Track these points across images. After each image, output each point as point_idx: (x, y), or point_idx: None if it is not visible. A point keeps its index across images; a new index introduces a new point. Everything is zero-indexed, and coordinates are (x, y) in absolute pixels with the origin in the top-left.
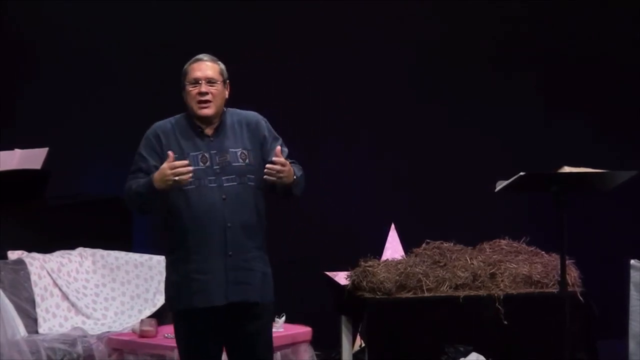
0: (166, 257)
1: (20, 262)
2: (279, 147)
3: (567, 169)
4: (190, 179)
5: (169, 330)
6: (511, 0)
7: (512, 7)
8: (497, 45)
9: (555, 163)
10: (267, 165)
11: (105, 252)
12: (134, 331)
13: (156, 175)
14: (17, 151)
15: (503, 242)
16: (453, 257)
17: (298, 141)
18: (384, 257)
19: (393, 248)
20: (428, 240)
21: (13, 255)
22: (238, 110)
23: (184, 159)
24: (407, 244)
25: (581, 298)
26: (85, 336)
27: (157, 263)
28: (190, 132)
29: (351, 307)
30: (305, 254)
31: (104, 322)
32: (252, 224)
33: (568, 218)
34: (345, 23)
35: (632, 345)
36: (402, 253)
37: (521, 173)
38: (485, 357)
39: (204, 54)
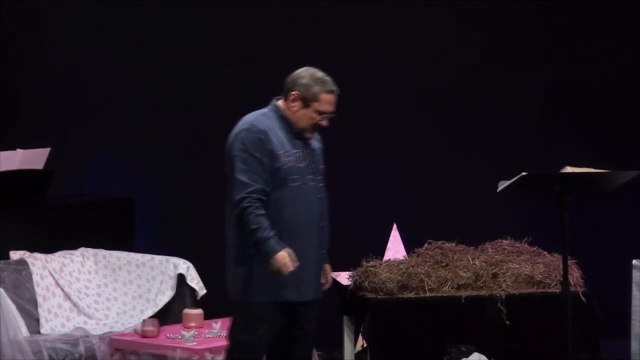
0: (244, 249)
1: (22, 262)
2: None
3: (569, 169)
4: (295, 176)
5: (171, 331)
6: (514, 2)
7: (514, 8)
8: (497, 45)
9: (557, 163)
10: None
11: (107, 252)
12: (136, 331)
13: (279, 258)
14: (19, 151)
15: (505, 242)
16: (455, 257)
17: None
18: (386, 257)
19: (395, 248)
20: (430, 241)
21: (15, 255)
22: None
23: (289, 156)
24: (409, 244)
25: (583, 298)
26: (87, 336)
27: (159, 263)
28: (288, 130)
29: (353, 307)
30: None
31: (105, 322)
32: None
33: (570, 218)
34: (346, 24)
35: (634, 345)
36: (404, 253)
37: (523, 173)
38: (487, 357)
39: (335, 85)
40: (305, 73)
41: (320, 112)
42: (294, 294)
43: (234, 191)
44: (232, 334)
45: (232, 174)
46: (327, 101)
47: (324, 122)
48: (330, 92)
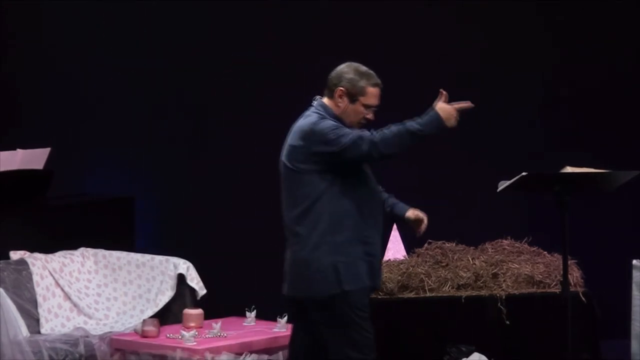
0: (318, 236)
1: (22, 262)
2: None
3: (569, 169)
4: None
5: (171, 331)
6: (514, 2)
7: (514, 8)
8: (497, 45)
9: (557, 163)
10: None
11: (107, 252)
12: (136, 331)
13: (444, 115)
14: (19, 151)
15: (505, 242)
16: (455, 257)
17: None
18: (386, 257)
19: (395, 248)
20: (430, 241)
21: (15, 255)
22: None
23: None
24: (409, 244)
25: (583, 298)
26: (87, 336)
27: (159, 263)
28: None
29: None
30: None
31: (106, 322)
32: None
33: (570, 218)
34: (346, 24)
35: (634, 345)
36: (404, 253)
37: (523, 173)
38: (487, 357)
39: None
40: (348, 68)
41: (367, 106)
42: (377, 280)
43: (357, 148)
44: (338, 334)
45: (337, 148)
46: (373, 94)
47: (371, 116)
48: (376, 85)
